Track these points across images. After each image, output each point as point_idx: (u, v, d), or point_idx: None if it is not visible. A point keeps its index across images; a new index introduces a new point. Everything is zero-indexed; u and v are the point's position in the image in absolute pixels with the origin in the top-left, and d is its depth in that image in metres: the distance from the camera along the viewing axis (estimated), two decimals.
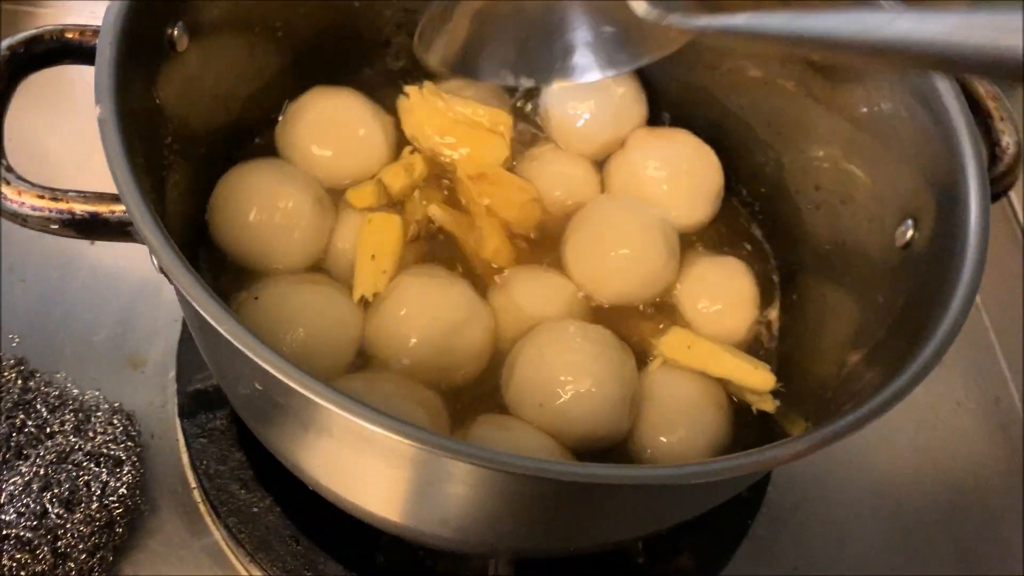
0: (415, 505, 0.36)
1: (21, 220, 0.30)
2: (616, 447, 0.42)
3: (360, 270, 0.43)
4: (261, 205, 0.43)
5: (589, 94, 0.51)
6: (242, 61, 0.44)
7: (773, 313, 0.48)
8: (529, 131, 0.53)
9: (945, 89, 0.38)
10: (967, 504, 0.59)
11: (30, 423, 0.48)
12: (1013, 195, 0.67)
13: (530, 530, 0.37)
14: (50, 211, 0.30)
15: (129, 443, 0.49)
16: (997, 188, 0.38)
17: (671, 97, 0.54)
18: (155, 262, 0.31)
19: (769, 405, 0.44)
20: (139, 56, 0.33)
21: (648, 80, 0.54)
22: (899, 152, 0.40)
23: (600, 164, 0.52)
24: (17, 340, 0.53)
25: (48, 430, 0.48)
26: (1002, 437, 0.62)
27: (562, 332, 0.41)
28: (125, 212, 0.30)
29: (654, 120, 0.54)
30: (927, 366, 0.31)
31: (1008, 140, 0.39)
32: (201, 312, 0.28)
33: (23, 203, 0.30)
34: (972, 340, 0.64)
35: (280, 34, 0.46)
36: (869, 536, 0.57)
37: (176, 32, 0.36)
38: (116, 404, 0.51)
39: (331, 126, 0.47)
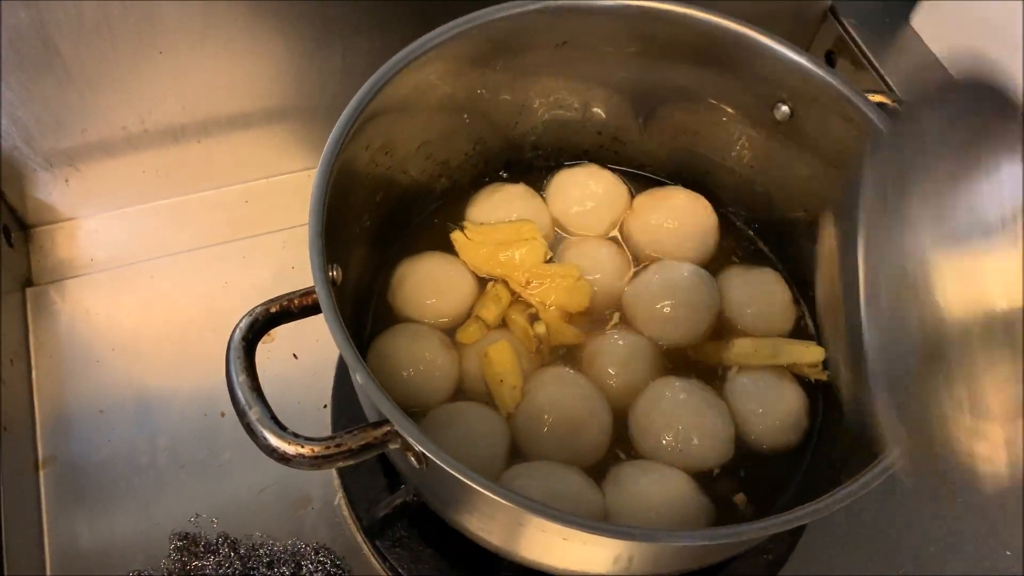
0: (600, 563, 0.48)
1: (313, 465, 0.41)
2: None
3: (496, 393, 0.55)
4: (408, 362, 0.54)
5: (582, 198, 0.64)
6: (355, 259, 0.54)
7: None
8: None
9: None
10: None
11: None
12: None
13: (692, 561, 0.50)
14: (335, 456, 0.41)
15: (338, 571, 0.60)
16: None
17: (662, 163, 0.66)
18: (414, 461, 0.42)
19: (822, 375, 0.58)
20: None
21: (642, 151, 0.66)
22: None
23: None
24: (216, 520, 0.63)
25: None
26: None
27: (681, 390, 0.54)
28: (387, 433, 0.41)
29: (655, 182, 0.66)
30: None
31: None
32: (466, 480, 0.39)
33: (304, 455, 0.41)
34: None
35: (368, 223, 0.56)
36: None
37: (336, 273, 0.47)
38: (314, 543, 0.62)
39: (430, 281, 0.58)
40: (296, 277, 0.74)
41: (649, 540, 0.40)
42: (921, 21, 0.89)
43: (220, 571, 0.59)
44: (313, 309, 0.45)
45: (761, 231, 0.65)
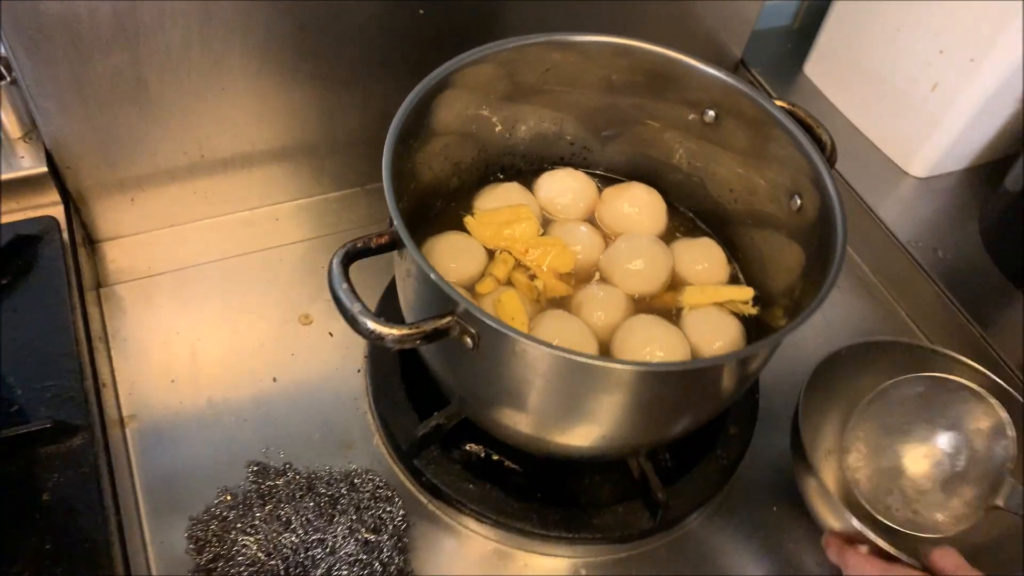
0: (594, 429, 0.64)
1: (394, 346, 0.57)
2: None
3: None
4: None
5: (562, 191, 0.82)
6: None
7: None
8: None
9: (788, 123, 0.71)
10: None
11: (325, 496, 0.73)
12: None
13: (661, 424, 0.66)
14: (410, 336, 0.57)
15: (385, 486, 0.75)
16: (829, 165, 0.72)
17: (621, 166, 0.86)
18: (468, 342, 0.58)
19: (752, 310, 0.76)
20: None
21: (605, 158, 0.86)
22: (776, 163, 0.73)
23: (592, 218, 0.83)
24: (283, 452, 0.77)
25: (334, 495, 0.73)
26: (867, 298, 0.98)
27: (649, 321, 0.72)
28: (450, 320, 0.57)
29: (617, 181, 0.86)
30: (832, 282, 0.62)
31: (825, 137, 0.73)
32: (517, 336, 0.55)
33: (393, 335, 0.56)
34: None
35: (402, 207, 0.73)
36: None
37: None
38: (363, 467, 0.76)
39: (452, 250, 0.75)
40: (321, 273, 0.91)
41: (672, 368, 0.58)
42: (811, 69, 1.12)
43: (289, 489, 0.73)
44: (386, 247, 0.62)
45: (698, 213, 0.85)
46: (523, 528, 0.73)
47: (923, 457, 0.74)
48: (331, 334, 0.87)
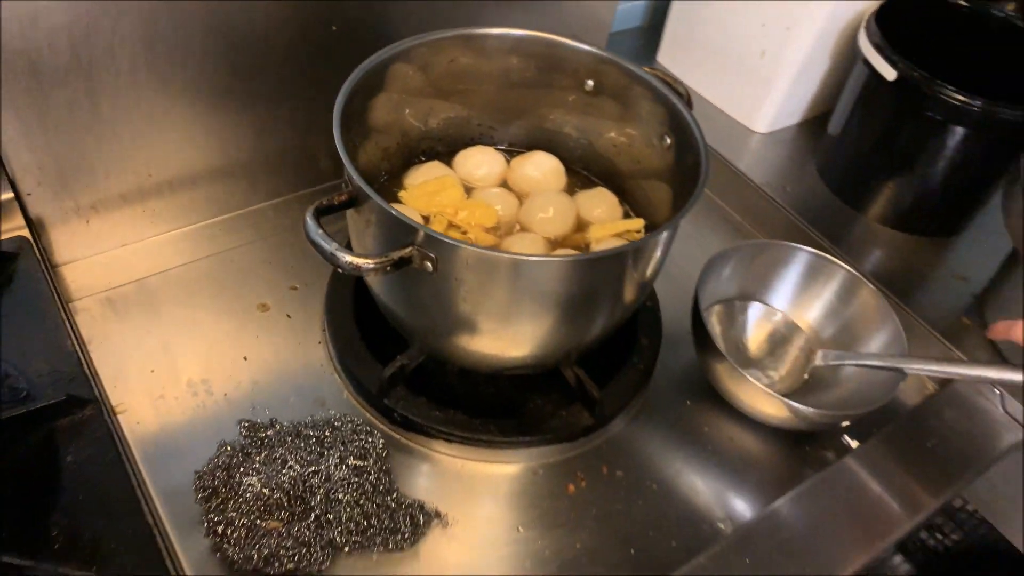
0: (537, 331, 0.79)
1: (368, 273, 0.69)
2: None
3: None
4: None
5: (477, 164, 0.98)
6: None
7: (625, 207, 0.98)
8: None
9: (653, 80, 0.89)
10: None
11: (312, 438, 0.84)
12: None
13: (587, 320, 0.81)
14: (381, 264, 0.69)
15: (362, 423, 0.86)
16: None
17: (522, 140, 1.02)
18: (429, 266, 0.72)
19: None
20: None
21: (508, 135, 1.01)
22: (647, 116, 0.90)
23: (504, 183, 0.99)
24: (268, 410, 0.87)
25: (320, 436, 0.84)
26: (735, 233, 1.17)
27: (566, 254, 0.87)
28: (411, 250, 0.71)
29: (519, 152, 1.02)
30: (696, 198, 0.79)
31: (682, 89, 0.90)
32: (471, 248, 0.69)
33: (369, 264, 0.69)
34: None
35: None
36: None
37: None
38: (340, 413, 0.87)
39: None
40: (268, 268, 1.03)
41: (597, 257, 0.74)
42: (663, 57, 1.33)
43: (280, 436, 0.84)
44: (347, 204, 0.75)
45: (590, 170, 1.01)
46: (486, 439, 0.86)
47: (762, 323, 0.98)
48: (289, 316, 0.98)
